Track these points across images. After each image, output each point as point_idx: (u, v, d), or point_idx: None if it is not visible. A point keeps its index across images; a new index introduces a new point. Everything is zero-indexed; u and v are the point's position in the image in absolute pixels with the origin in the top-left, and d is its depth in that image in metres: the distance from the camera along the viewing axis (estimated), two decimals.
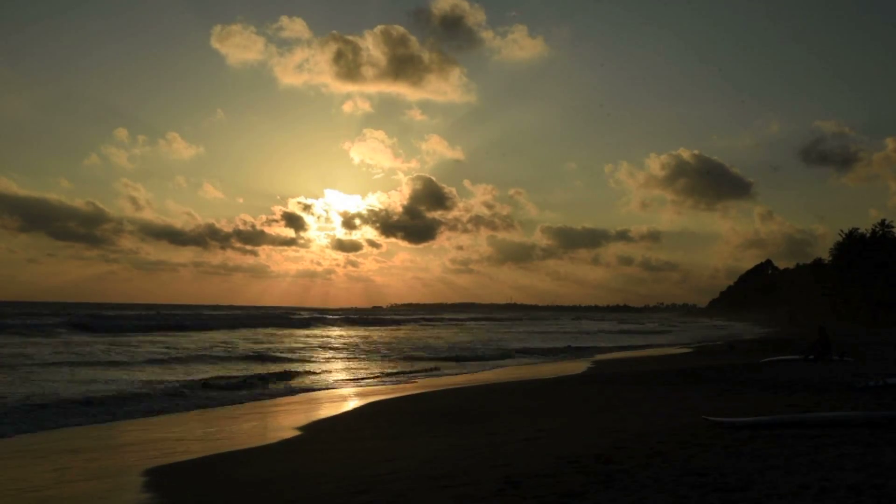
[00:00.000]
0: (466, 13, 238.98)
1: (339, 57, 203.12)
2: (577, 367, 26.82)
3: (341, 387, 20.57)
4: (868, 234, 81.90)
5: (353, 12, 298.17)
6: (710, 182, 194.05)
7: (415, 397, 17.65)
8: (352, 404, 16.79)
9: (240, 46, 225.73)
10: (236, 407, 16.04)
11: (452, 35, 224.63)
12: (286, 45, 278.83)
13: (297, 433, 12.34)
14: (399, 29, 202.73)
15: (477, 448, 9.44)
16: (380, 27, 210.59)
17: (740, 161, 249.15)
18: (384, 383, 21.56)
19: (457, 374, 24.71)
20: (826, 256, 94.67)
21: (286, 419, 14.51)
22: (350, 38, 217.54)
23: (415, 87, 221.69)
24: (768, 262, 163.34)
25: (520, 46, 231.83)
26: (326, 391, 19.49)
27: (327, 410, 15.50)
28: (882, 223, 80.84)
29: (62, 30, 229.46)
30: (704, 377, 18.10)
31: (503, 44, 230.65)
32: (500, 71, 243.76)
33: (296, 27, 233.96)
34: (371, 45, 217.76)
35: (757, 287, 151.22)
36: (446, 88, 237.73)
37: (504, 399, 16.48)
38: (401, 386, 20.79)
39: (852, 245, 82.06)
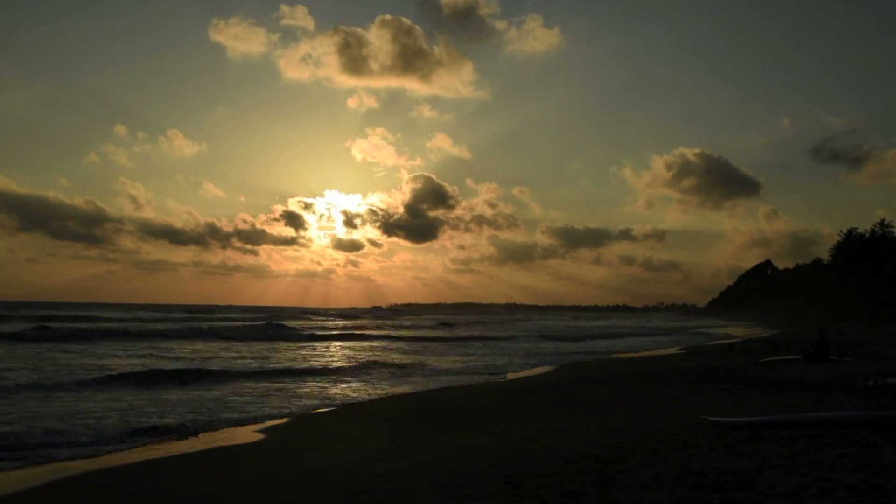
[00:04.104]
0: (479, 3, 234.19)
1: (342, 50, 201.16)
2: (577, 366, 26.82)
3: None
4: (867, 234, 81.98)
5: (359, 3, 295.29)
6: (718, 181, 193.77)
7: (413, 396, 17.66)
8: (351, 404, 16.79)
9: (241, 39, 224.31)
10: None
11: (463, 26, 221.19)
12: (289, 37, 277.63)
13: (294, 432, 12.33)
14: (406, 21, 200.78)
15: (477, 448, 9.44)
16: (386, 18, 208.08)
17: (750, 160, 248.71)
18: None
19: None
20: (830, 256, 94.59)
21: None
22: (355, 30, 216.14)
23: (421, 81, 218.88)
24: (768, 263, 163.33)
25: (534, 37, 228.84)
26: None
27: (326, 409, 15.50)
28: (882, 223, 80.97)
29: (60, 27, 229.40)
30: (704, 377, 18.10)
31: (517, 35, 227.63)
32: (511, 64, 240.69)
33: (298, 15, 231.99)
34: (377, 38, 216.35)
35: (756, 287, 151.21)
36: (454, 83, 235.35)
37: (503, 398, 16.49)
38: (397, 385, 20.78)
39: (852, 245, 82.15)
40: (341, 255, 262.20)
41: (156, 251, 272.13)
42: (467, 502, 6.33)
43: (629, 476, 6.81)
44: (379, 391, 19.23)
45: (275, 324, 60.66)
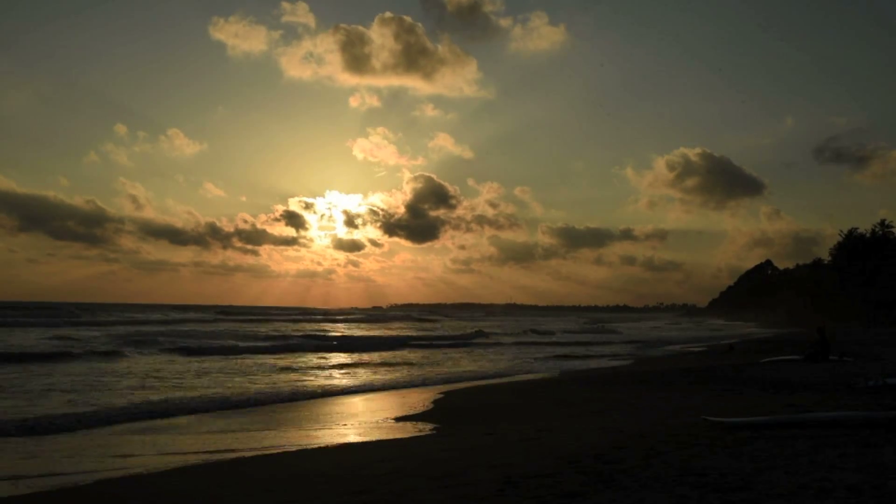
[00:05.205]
0: (483, 0, 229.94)
1: (344, 48, 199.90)
2: (577, 367, 26.80)
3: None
4: (868, 235, 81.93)
5: (360, 0, 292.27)
6: (721, 180, 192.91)
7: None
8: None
9: (241, 37, 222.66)
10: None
11: (467, 24, 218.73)
12: (291, 34, 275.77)
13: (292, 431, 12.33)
14: (408, 19, 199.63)
15: (477, 448, 9.44)
16: (389, 16, 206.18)
17: (753, 160, 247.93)
18: None
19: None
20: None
21: (280, 419, 14.52)
22: (357, 27, 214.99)
23: (424, 80, 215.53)
24: (768, 262, 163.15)
25: (539, 35, 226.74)
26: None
27: (326, 410, 15.51)
28: (882, 223, 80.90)
29: (60, 26, 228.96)
30: (704, 377, 18.11)
31: (522, 33, 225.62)
32: (516, 63, 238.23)
33: (299, 12, 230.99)
34: (379, 36, 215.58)
35: (756, 287, 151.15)
36: (457, 82, 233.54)
37: (503, 399, 16.50)
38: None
39: (852, 245, 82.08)
40: (342, 255, 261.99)
41: (156, 251, 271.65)
42: (467, 502, 6.32)
43: (629, 476, 6.81)
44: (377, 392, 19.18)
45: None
